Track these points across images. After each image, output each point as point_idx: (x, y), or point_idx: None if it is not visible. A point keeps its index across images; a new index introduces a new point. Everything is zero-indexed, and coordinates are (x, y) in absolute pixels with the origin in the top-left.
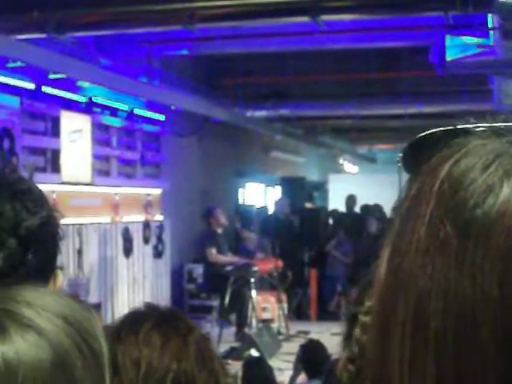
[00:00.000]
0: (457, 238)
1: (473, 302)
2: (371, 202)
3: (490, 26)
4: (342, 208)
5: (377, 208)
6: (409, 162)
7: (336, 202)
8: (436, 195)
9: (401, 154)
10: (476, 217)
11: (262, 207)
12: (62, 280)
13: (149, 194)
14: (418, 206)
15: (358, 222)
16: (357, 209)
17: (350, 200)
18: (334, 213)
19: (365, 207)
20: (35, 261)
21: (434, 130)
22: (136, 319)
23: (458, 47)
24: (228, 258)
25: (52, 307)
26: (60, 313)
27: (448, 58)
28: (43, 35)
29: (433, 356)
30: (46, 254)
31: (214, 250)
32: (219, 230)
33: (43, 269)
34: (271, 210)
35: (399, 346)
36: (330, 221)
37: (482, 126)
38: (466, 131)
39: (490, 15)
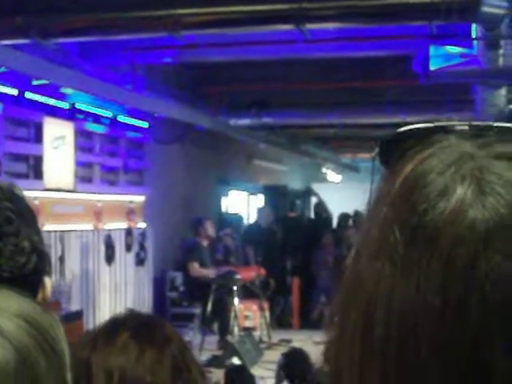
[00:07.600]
0: (404, 244)
1: (415, 311)
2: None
3: (473, 35)
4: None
5: (358, 216)
6: (385, 157)
7: None
8: (392, 197)
9: (377, 148)
10: (424, 224)
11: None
12: (50, 287)
13: (131, 202)
14: (377, 208)
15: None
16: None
17: (319, 207)
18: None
19: (343, 216)
20: None
21: (413, 126)
22: (114, 327)
23: (442, 57)
24: (210, 270)
25: (13, 308)
26: (21, 314)
27: (431, 68)
28: (27, 41)
29: (377, 364)
30: (33, 287)
31: (196, 265)
32: (204, 243)
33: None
34: (254, 219)
35: (350, 348)
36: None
37: (462, 124)
38: (447, 130)
39: (473, 25)
